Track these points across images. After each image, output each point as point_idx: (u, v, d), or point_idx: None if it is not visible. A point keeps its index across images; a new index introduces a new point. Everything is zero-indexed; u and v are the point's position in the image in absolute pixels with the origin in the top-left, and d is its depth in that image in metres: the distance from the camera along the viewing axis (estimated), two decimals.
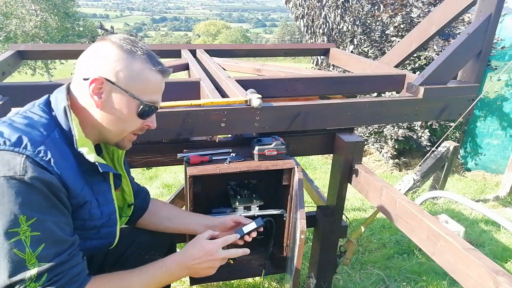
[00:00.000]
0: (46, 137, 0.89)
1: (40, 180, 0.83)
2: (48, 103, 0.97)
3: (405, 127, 5.58)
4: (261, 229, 1.35)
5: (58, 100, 0.96)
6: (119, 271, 1.02)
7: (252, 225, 1.30)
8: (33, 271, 0.83)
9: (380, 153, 6.12)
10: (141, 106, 0.98)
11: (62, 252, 0.88)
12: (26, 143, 0.84)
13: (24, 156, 0.82)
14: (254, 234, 1.31)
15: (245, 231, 1.27)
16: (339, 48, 2.82)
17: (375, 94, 4.79)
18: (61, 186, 0.87)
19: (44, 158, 0.85)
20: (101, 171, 0.98)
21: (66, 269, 0.88)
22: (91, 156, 0.95)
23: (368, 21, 6.38)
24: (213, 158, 1.42)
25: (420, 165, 3.68)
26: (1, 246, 0.81)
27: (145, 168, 4.16)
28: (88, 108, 0.97)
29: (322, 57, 6.22)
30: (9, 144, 0.83)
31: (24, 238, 0.81)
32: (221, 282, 2.04)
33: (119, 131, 1.01)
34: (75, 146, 0.93)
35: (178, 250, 1.56)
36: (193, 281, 1.56)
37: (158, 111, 1.33)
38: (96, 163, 0.96)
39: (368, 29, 6.33)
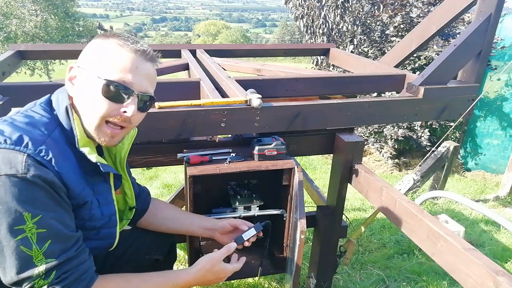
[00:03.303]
0: (47, 136, 0.88)
1: (43, 178, 0.83)
2: (49, 102, 0.97)
3: (405, 127, 5.58)
4: (261, 234, 1.35)
5: (60, 99, 0.96)
6: (128, 273, 1.03)
7: (252, 231, 1.31)
8: (41, 268, 0.83)
9: (380, 153, 6.12)
10: (103, 84, 0.90)
11: (68, 248, 0.88)
12: (27, 142, 0.84)
13: (26, 154, 0.82)
14: (253, 239, 1.33)
15: (245, 238, 1.30)
16: (339, 48, 2.81)
17: (375, 94, 4.79)
18: (62, 185, 0.87)
19: (45, 157, 0.85)
20: (103, 171, 0.97)
21: (74, 266, 0.89)
22: (93, 156, 0.94)
23: (368, 21, 6.39)
24: (213, 158, 1.42)
25: (420, 165, 3.68)
26: (7, 244, 0.81)
27: (145, 168, 4.16)
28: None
29: (322, 57, 6.22)
30: (9, 142, 0.82)
31: (30, 235, 0.82)
32: (221, 282, 2.03)
33: (92, 117, 0.94)
34: (77, 146, 0.93)
35: (178, 250, 1.56)
36: None
37: (158, 111, 1.35)
38: (98, 163, 0.96)
39: (368, 29, 6.34)
